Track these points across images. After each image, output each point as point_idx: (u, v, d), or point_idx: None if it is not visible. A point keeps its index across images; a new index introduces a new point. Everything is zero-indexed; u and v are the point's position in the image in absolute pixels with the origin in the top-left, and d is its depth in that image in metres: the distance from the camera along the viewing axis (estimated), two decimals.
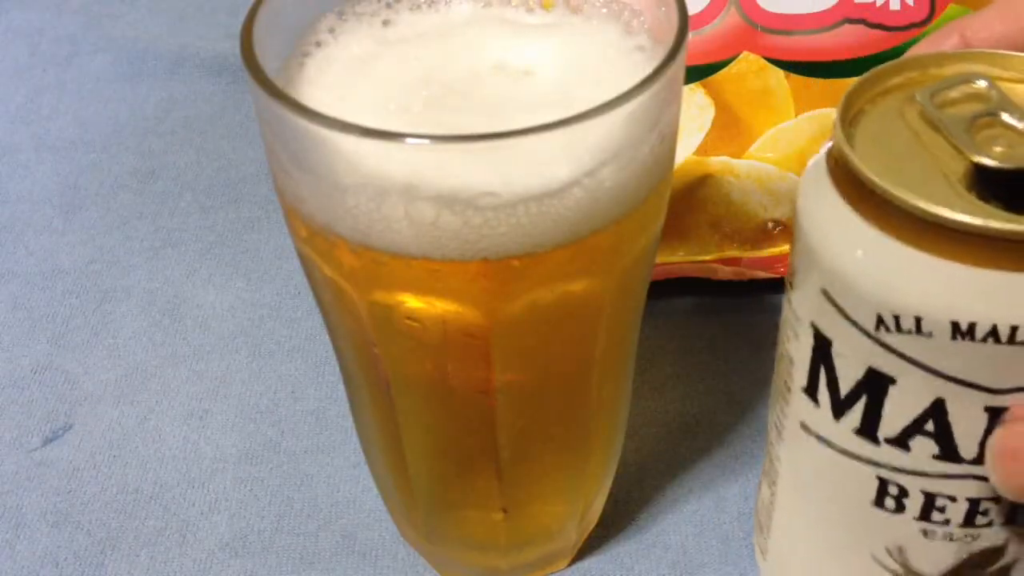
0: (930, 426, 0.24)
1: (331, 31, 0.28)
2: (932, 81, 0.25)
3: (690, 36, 0.28)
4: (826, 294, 0.24)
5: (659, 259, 0.40)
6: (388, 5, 0.29)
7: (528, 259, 0.24)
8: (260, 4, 0.25)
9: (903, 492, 0.25)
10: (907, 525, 0.25)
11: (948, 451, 0.24)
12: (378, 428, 0.31)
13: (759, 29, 0.40)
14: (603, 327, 0.27)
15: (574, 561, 0.35)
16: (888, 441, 0.24)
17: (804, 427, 0.26)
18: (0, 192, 0.50)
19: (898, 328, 0.22)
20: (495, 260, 0.24)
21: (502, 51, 0.27)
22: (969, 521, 0.25)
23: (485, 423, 0.28)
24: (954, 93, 0.24)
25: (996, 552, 0.25)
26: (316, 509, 0.36)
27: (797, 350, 0.26)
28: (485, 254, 0.23)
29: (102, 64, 0.58)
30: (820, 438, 0.26)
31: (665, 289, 0.42)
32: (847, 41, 0.40)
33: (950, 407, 0.23)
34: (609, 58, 0.27)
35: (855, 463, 0.25)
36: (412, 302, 0.25)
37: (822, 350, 0.25)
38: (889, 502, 0.25)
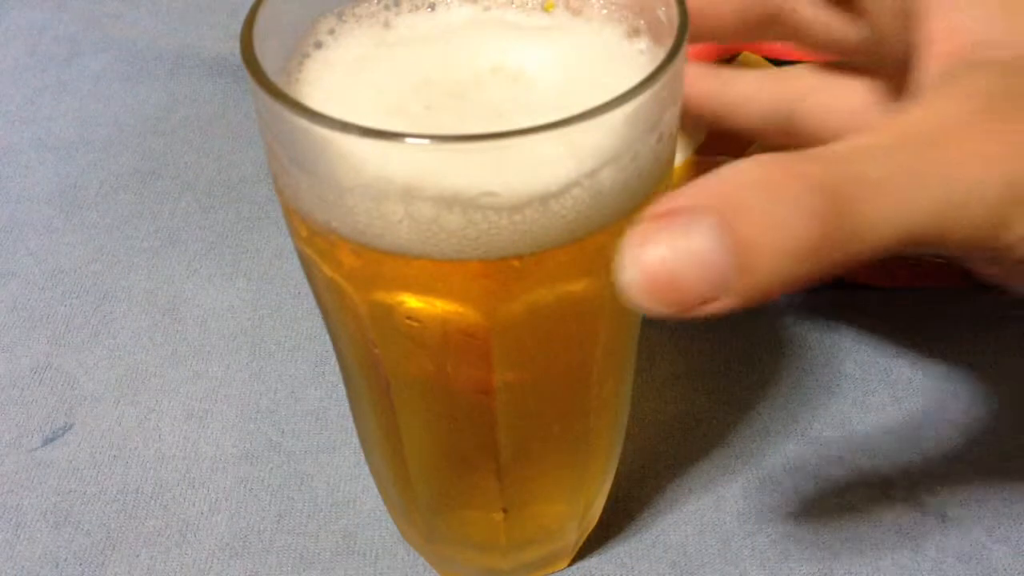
0: None
1: (331, 32, 0.28)
2: None
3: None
4: None
5: None
6: (388, 7, 0.29)
7: (528, 259, 0.24)
8: (260, 5, 0.25)
9: None
10: None
11: None
12: (378, 428, 0.31)
13: None
14: (603, 327, 0.27)
15: (574, 561, 0.35)
16: None
17: None
18: (0, 192, 0.50)
19: None
20: (495, 260, 0.24)
21: (502, 53, 0.27)
22: None
23: (485, 423, 0.28)
24: None
25: None
26: (316, 509, 0.36)
27: None
28: (485, 254, 0.23)
29: (102, 64, 0.58)
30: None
31: None
32: None
33: None
34: (609, 60, 0.27)
35: None
36: (412, 302, 0.25)
37: None
38: None
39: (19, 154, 0.52)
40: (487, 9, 0.29)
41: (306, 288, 0.45)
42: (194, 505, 0.37)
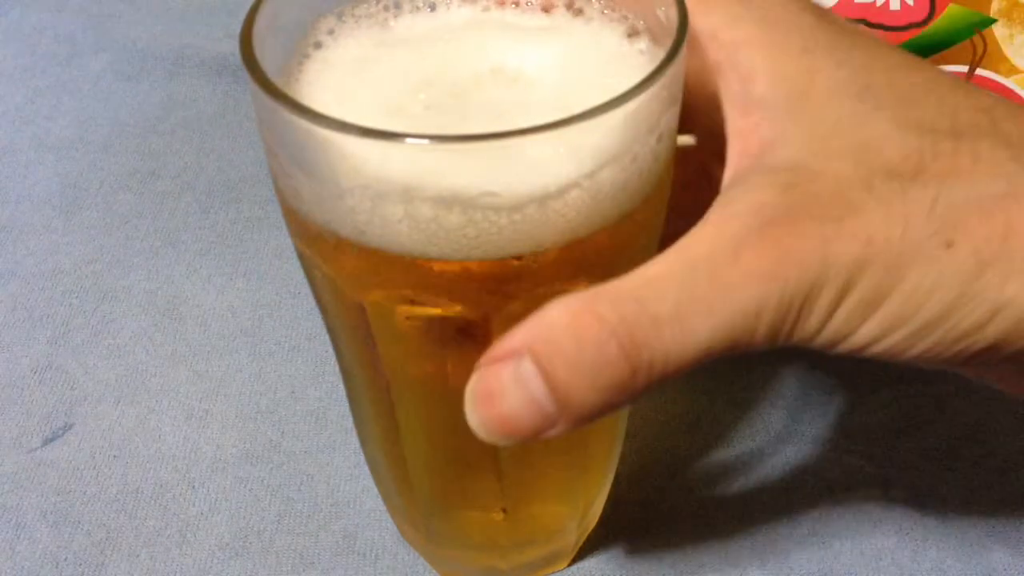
0: None
1: (330, 33, 0.28)
2: None
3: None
4: None
5: None
6: (387, 8, 0.29)
7: (528, 259, 0.24)
8: (260, 5, 0.25)
9: None
10: None
11: None
12: (378, 428, 0.31)
13: None
14: None
15: (574, 561, 0.35)
16: None
17: None
18: (0, 192, 0.50)
19: None
20: (495, 260, 0.24)
21: (501, 54, 0.27)
22: None
23: None
24: None
25: None
26: (316, 509, 0.36)
27: None
28: (485, 254, 0.23)
29: (102, 64, 0.58)
30: None
31: None
32: None
33: None
34: (609, 60, 0.27)
35: None
36: (412, 302, 0.25)
37: None
38: None
39: (19, 154, 0.52)
40: (486, 10, 0.29)
41: (306, 288, 0.45)
42: (194, 505, 0.37)
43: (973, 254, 0.23)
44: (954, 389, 0.40)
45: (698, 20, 0.26)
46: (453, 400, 0.28)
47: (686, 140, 0.28)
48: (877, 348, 0.24)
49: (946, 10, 0.41)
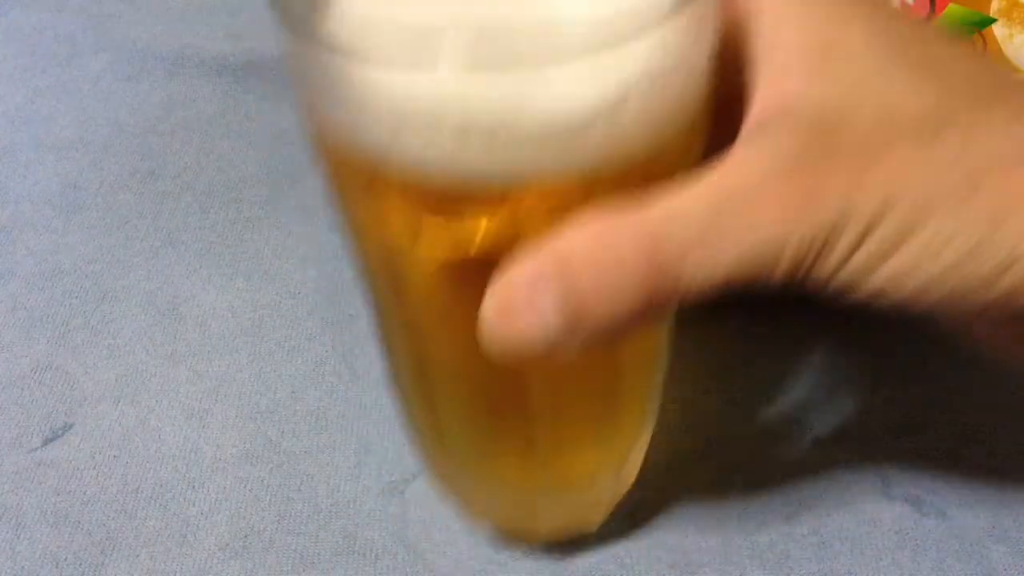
0: None
1: None
2: None
3: None
4: None
5: None
6: None
7: (589, 176, 0.23)
8: None
9: None
10: None
11: None
12: (412, 380, 0.30)
13: None
14: None
15: (596, 540, 0.35)
16: None
17: None
18: (0, 192, 0.50)
19: None
20: (561, 177, 0.23)
21: None
22: None
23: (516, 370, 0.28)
24: None
25: None
26: (316, 509, 0.36)
27: None
28: (557, 171, 0.23)
29: (102, 64, 0.58)
30: None
31: None
32: None
33: None
34: None
35: None
36: (444, 225, 0.25)
37: None
38: None
39: (19, 154, 0.52)
40: None
41: (306, 288, 0.45)
42: (194, 505, 0.37)
43: (993, 206, 0.24)
44: (954, 389, 0.40)
45: None
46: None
47: None
48: (893, 295, 0.25)
49: (946, 10, 0.41)
